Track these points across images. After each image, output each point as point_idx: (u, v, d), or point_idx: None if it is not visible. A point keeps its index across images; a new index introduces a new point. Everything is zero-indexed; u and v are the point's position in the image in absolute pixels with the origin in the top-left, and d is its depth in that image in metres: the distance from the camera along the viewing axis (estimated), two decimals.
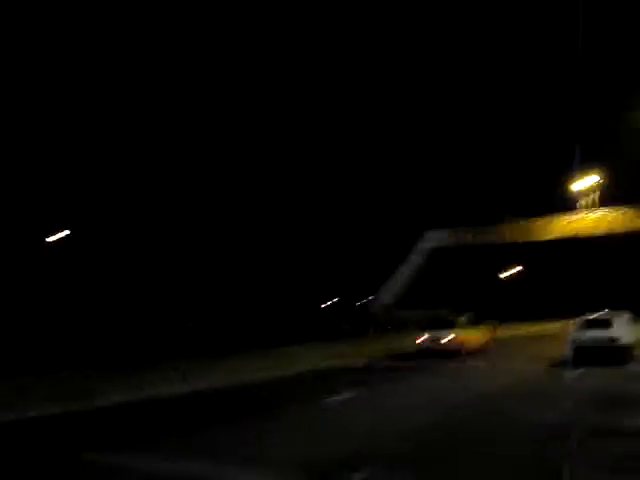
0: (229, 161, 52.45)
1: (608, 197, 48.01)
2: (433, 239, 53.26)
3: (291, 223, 57.40)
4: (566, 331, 23.19)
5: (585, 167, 49.49)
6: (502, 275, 66.59)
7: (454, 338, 25.11)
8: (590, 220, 48.40)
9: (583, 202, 48.72)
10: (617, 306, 25.48)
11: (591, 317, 22.66)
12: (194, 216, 48.08)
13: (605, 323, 21.47)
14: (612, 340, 20.46)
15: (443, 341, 25.12)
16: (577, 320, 22.57)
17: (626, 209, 47.00)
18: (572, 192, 49.58)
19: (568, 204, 49.59)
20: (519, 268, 67.62)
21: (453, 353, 24.49)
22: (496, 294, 67.22)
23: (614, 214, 47.69)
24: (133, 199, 44.19)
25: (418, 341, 25.87)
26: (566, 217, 49.41)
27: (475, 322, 28.15)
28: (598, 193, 48.01)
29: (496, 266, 69.36)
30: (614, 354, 20.20)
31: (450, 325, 26.28)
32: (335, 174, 61.20)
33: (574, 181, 49.38)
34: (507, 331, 40.29)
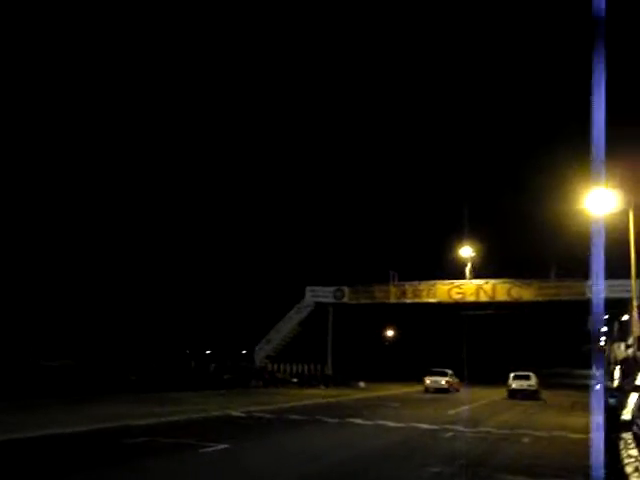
0: None
1: (492, 267, 50.31)
2: (316, 295, 53.61)
3: (175, 274, 56.91)
4: None
5: (471, 235, 51.67)
6: (382, 334, 67.74)
7: (447, 381, 44.69)
8: (474, 287, 50.21)
9: (469, 268, 50.61)
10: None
11: (517, 373, 42.14)
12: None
13: (526, 377, 41.50)
14: (530, 386, 40.71)
15: (442, 382, 44.40)
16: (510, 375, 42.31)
17: (507, 280, 49.41)
18: (460, 257, 51.48)
19: (457, 269, 51.43)
20: (394, 330, 69.08)
21: (447, 390, 43.39)
22: (376, 352, 68.25)
23: (495, 283, 49.77)
24: None
25: (427, 382, 45.02)
26: (452, 282, 51.01)
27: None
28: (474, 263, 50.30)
29: (377, 325, 70.56)
30: (531, 394, 39.48)
31: (444, 374, 45.39)
32: (218, 226, 61.27)
33: (462, 247, 51.35)
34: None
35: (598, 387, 15.28)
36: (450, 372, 46.30)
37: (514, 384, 41.03)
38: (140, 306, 54.97)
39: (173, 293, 57.88)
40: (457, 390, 45.20)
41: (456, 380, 46.77)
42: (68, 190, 52.80)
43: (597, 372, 18.21)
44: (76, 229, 52.71)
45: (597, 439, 10.83)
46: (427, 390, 43.90)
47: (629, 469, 3.39)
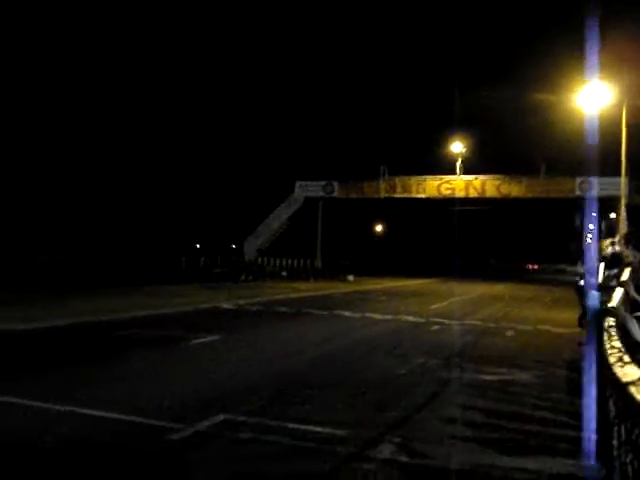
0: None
1: (481, 163, 50.20)
2: (306, 189, 53.52)
3: (165, 172, 56.52)
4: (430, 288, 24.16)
5: (462, 131, 51.25)
6: (372, 229, 68.10)
7: None
8: (464, 182, 50.21)
9: (460, 164, 50.46)
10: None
11: None
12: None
13: None
14: None
15: None
16: None
17: (497, 176, 49.40)
18: (451, 153, 51.25)
19: (447, 164, 51.33)
20: (384, 225, 69.39)
21: None
22: (365, 247, 68.80)
23: (485, 179, 49.78)
24: None
25: None
26: (441, 177, 50.97)
27: None
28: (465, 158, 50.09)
29: (366, 220, 70.85)
30: None
31: None
32: (208, 120, 60.49)
33: (453, 142, 51.03)
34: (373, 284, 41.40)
35: (582, 283, 15.46)
36: None
37: None
38: (131, 202, 54.90)
39: (164, 188, 57.73)
40: None
41: None
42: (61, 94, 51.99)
43: (582, 268, 18.42)
44: (66, 129, 52.06)
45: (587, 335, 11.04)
46: None
47: (612, 359, 3.48)
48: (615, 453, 3.59)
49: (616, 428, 3.58)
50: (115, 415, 8.14)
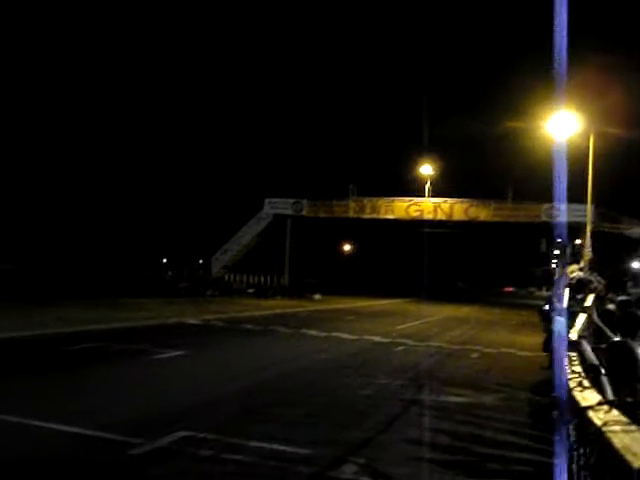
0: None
1: (450, 186, 50.65)
2: (275, 207, 53.47)
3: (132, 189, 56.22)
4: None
5: (431, 154, 51.73)
6: (340, 249, 68.18)
7: None
8: (432, 205, 50.52)
9: (428, 187, 50.81)
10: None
11: None
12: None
13: None
14: None
15: None
16: None
17: (465, 200, 49.84)
18: (420, 175, 51.59)
19: (416, 187, 51.64)
20: (352, 245, 69.53)
21: None
22: (333, 266, 68.84)
23: (453, 203, 50.18)
24: None
25: None
26: (410, 199, 51.26)
27: None
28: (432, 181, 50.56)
29: (335, 239, 70.98)
30: None
31: None
32: (178, 134, 60.40)
33: (422, 165, 51.41)
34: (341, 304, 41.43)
35: (547, 307, 15.64)
36: None
37: None
38: (96, 214, 54.41)
39: (131, 201, 57.31)
40: None
41: None
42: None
43: (547, 293, 18.65)
44: (29, 134, 51.57)
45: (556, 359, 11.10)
46: None
47: (572, 384, 3.52)
48: (575, 478, 3.61)
49: (575, 453, 3.60)
50: (76, 429, 8.01)
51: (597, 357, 5.63)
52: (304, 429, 8.79)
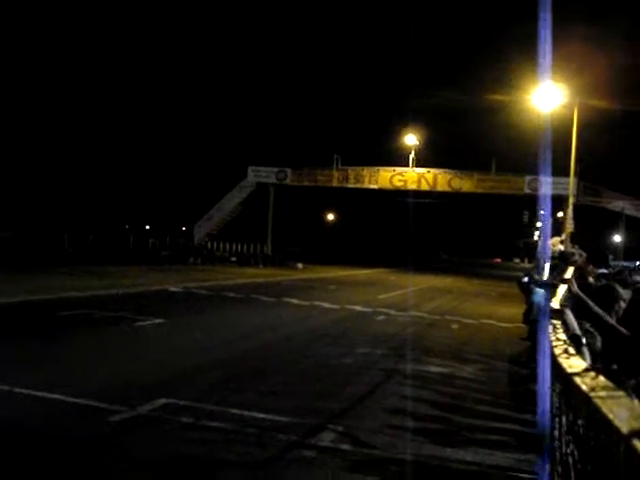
0: None
1: (433, 156, 50.59)
2: (259, 175, 53.27)
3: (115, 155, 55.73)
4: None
5: (416, 124, 51.61)
6: (323, 218, 68.19)
7: None
8: (416, 175, 50.50)
9: (413, 157, 50.71)
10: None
11: None
12: None
13: None
14: None
15: None
16: None
17: (449, 170, 49.83)
18: (405, 145, 51.48)
19: (400, 157, 51.56)
20: (335, 215, 69.55)
21: None
22: (316, 235, 68.91)
23: (436, 173, 50.18)
24: None
25: None
26: (394, 169, 51.19)
27: None
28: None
29: (319, 208, 70.95)
30: None
31: None
32: (163, 99, 59.82)
33: (407, 135, 51.29)
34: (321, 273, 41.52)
35: (526, 279, 15.72)
36: None
37: None
38: (81, 180, 54.01)
39: (114, 168, 56.91)
40: None
41: None
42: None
43: (528, 265, 18.79)
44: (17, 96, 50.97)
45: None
46: None
47: (557, 350, 3.53)
48: (556, 444, 3.63)
49: (557, 419, 3.62)
50: (56, 396, 7.99)
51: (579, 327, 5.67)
52: (284, 398, 8.81)
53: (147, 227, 59.66)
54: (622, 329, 5.48)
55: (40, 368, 9.55)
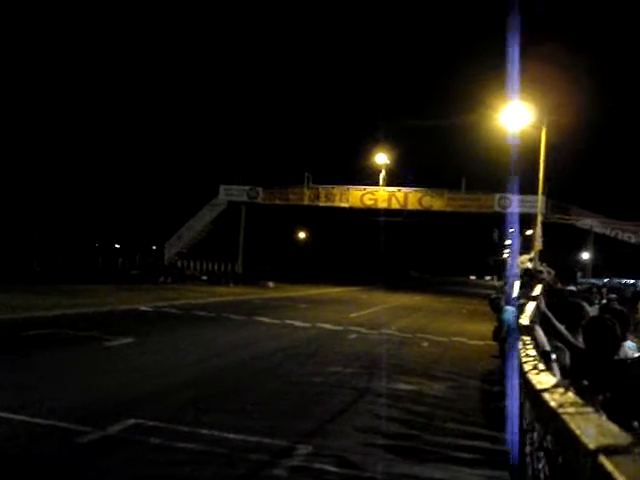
0: None
1: (405, 175, 50.91)
2: (230, 193, 53.14)
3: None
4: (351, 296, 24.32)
5: (386, 143, 51.93)
6: (294, 236, 68.17)
7: None
8: (387, 194, 50.69)
9: (383, 175, 50.93)
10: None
11: None
12: None
13: None
14: None
15: None
16: None
17: (419, 189, 50.10)
18: (375, 164, 51.72)
19: (371, 176, 51.76)
20: (307, 233, 69.60)
21: None
22: (287, 254, 68.86)
23: (407, 192, 50.42)
24: None
25: None
26: (365, 188, 51.36)
27: None
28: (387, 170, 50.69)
29: (290, 227, 70.94)
30: None
31: None
32: (133, 118, 59.70)
33: (377, 154, 51.55)
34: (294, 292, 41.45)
35: (497, 297, 15.87)
36: None
37: None
38: (51, 198, 53.52)
39: (83, 186, 56.48)
40: None
41: None
42: None
43: (498, 282, 18.93)
44: None
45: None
46: None
47: (527, 367, 3.57)
48: (527, 460, 3.66)
49: (528, 435, 3.64)
50: (22, 417, 7.85)
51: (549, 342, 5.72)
52: (255, 418, 8.75)
53: (117, 246, 59.16)
54: (579, 343, 5.55)
55: (5, 388, 9.37)
